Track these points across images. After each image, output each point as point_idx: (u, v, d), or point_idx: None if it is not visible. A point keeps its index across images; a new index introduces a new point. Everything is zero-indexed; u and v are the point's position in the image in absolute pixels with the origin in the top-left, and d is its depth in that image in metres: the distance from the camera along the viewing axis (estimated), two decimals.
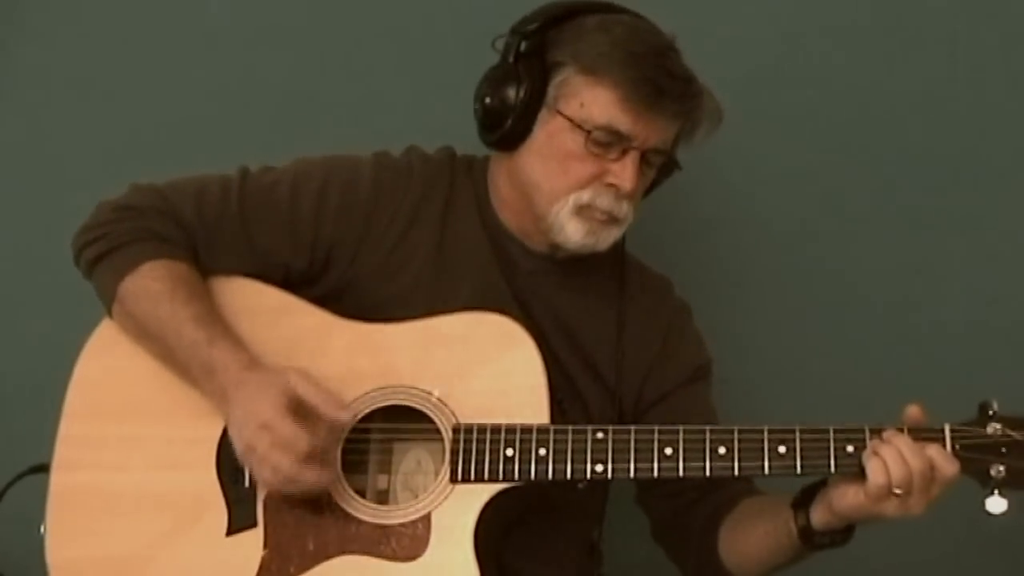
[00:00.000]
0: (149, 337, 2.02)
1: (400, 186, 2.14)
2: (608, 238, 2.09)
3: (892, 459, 1.83)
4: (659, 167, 2.11)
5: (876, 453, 1.84)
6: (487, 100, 2.09)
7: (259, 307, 2.07)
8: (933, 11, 2.61)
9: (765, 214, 2.62)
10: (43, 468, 2.06)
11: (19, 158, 2.70)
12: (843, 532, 1.92)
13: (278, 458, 1.89)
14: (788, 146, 2.61)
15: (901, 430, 1.87)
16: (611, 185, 2.05)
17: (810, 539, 1.93)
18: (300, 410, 1.91)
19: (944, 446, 1.85)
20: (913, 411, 1.88)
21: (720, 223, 2.61)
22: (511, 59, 2.07)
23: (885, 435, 1.86)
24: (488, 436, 1.95)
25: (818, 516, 1.91)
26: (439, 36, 2.64)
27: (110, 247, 2.04)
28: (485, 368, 1.99)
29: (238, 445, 1.94)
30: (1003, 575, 2.54)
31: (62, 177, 2.66)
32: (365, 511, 1.96)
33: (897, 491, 1.83)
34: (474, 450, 1.94)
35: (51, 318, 2.46)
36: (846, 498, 1.86)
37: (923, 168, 2.60)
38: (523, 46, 2.06)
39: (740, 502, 2.07)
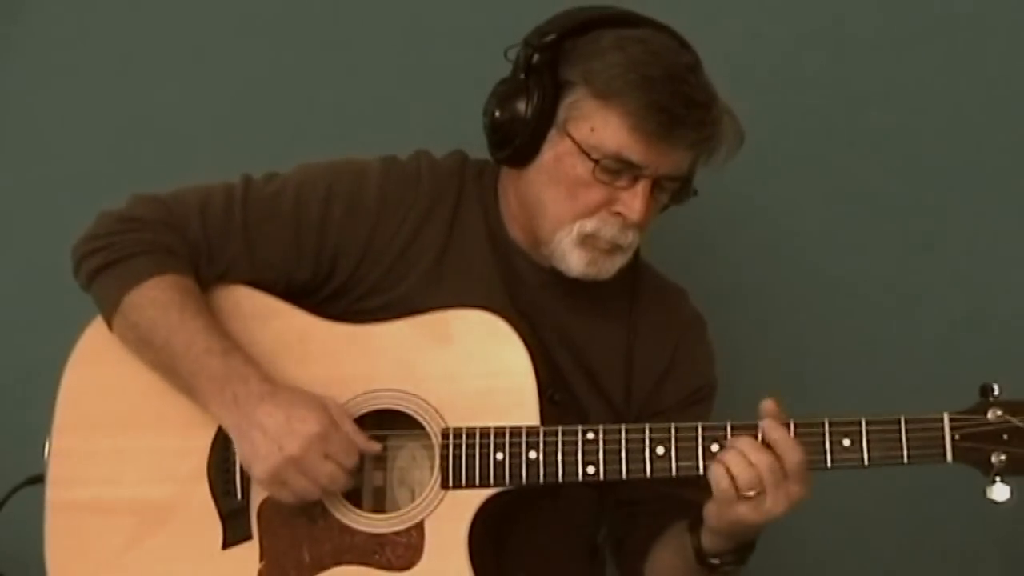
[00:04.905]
0: (153, 347, 1.99)
1: (407, 196, 2.07)
2: (611, 267, 2.02)
3: (734, 462, 1.81)
4: (674, 191, 2.02)
5: (717, 459, 1.82)
6: (496, 115, 2.02)
7: (244, 311, 2.03)
8: (934, 13, 2.57)
9: (765, 212, 2.61)
10: (39, 479, 2.06)
11: (13, 166, 2.70)
12: (734, 552, 1.90)
13: (330, 471, 1.88)
14: (787, 146, 2.57)
15: (898, 420, 1.82)
16: (618, 214, 1.98)
17: (703, 560, 1.92)
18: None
19: (944, 436, 1.81)
20: (768, 405, 1.85)
21: (721, 222, 2.57)
22: (522, 74, 1.99)
23: (730, 440, 1.84)
24: (477, 440, 1.92)
25: (704, 536, 1.90)
26: (451, 37, 2.59)
27: (115, 258, 2.00)
28: (472, 367, 1.96)
29: (269, 460, 1.88)
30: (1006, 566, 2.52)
31: (59, 187, 2.65)
32: (359, 520, 1.95)
33: (748, 493, 1.81)
34: (464, 455, 1.92)
35: (46, 327, 2.43)
36: (707, 511, 1.85)
37: (924, 167, 2.58)
38: (535, 59, 1.98)
39: (673, 524, 2.03)
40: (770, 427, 1.83)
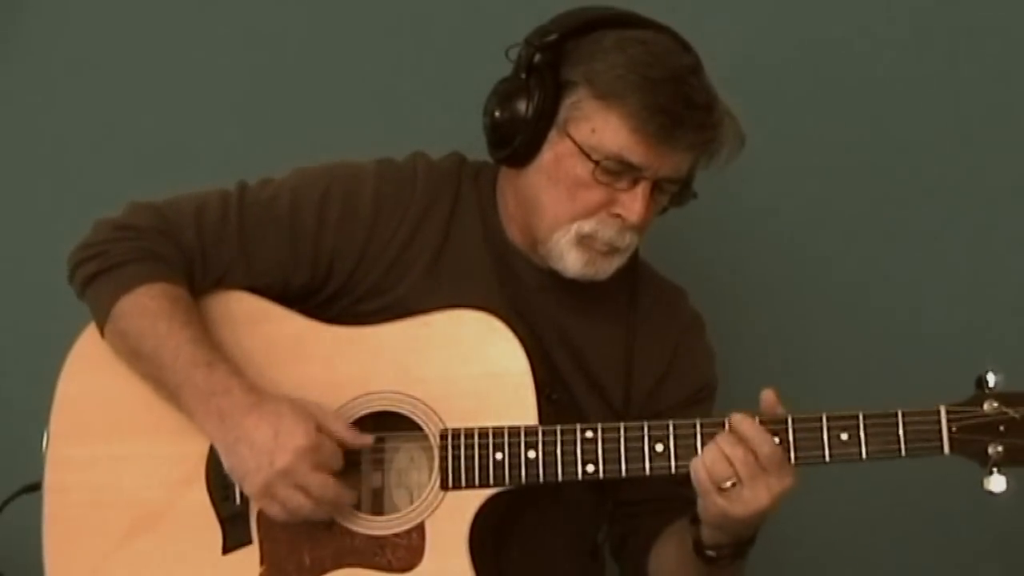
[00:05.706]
0: (141, 356, 1.98)
1: (403, 198, 2.07)
2: (608, 268, 2.02)
3: (710, 455, 1.83)
4: (674, 194, 2.02)
5: (700, 454, 1.85)
6: (496, 115, 2.01)
7: (237, 315, 2.03)
8: (936, 15, 2.58)
9: (763, 212, 2.61)
10: (36, 487, 2.06)
11: (10, 173, 2.69)
12: (731, 546, 1.91)
13: (321, 480, 1.88)
14: (787, 147, 2.57)
15: (896, 413, 1.83)
16: (617, 216, 1.98)
17: (701, 552, 1.92)
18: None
19: (941, 428, 1.82)
20: (767, 395, 1.86)
21: (720, 221, 2.56)
22: (523, 73, 1.99)
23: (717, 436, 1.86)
24: (476, 441, 1.92)
25: (703, 529, 1.91)
26: (451, 36, 2.59)
27: (108, 265, 2.00)
28: (469, 368, 1.96)
29: (260, 475, 1.87)
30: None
31: (56, 194, 2.65)
32: (359, 523, 1.95)
33: (725, 485, 1.82)
34: (463, 456, 1.92)
35: (43, 335, 2.43)
36: (697, 504, 1.87)
37: (923, 166, 2.59)
38: (536, 59, 1.97)
39: (675, 521, 2.03)
40: (739, 421, 1.84)
